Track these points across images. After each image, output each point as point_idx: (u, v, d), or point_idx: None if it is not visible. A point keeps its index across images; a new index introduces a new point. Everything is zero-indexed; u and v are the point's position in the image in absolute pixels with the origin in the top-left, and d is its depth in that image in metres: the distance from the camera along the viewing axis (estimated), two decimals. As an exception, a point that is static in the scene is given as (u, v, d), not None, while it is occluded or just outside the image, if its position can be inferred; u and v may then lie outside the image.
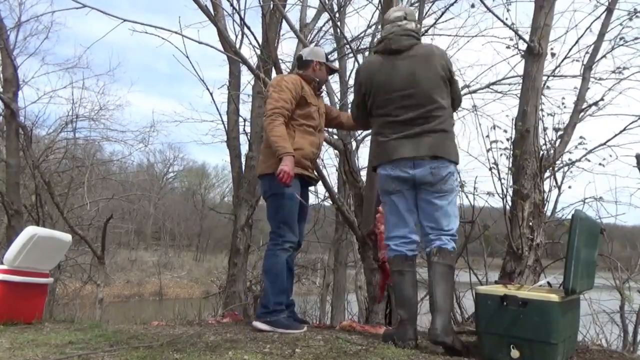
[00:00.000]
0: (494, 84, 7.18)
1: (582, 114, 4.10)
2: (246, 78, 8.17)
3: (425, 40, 3.12)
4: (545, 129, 3.69)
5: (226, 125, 7.19)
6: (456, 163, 2.66)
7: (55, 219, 8.03)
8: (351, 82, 8.94)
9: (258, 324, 2.95)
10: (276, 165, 2.94)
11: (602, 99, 4.23)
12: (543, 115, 3.67)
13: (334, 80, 8.62)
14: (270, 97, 3.09)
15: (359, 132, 8.50)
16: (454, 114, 2.88)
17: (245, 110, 9.75)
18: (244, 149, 7.11)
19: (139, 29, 3.83)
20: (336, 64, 8.57)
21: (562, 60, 4.66)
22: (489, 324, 2.37)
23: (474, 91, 6.78)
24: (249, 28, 5.05)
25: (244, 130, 7.20)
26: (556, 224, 3.81)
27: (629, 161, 3.77)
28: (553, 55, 4.20)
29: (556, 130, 3.78)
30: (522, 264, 3.33)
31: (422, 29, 5.38)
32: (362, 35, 8.45)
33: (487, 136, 3.55)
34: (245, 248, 6.68)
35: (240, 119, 7.16)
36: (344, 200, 5.79)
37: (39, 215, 7.41)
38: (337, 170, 6.42)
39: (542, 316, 2.21)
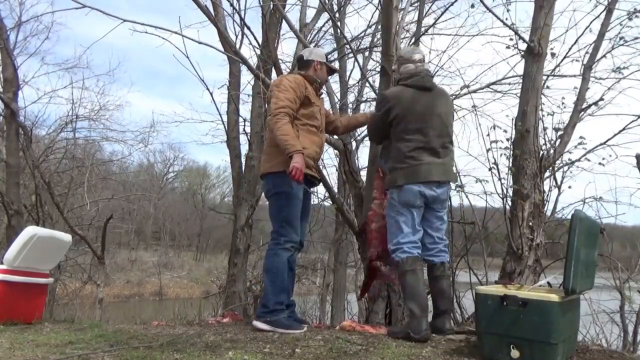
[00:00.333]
0: (493, 83, 7.17)
1: (582, 113, 4.10)
2: (246, 78, 8.16)
3: (425, 40, 3.45)
4: (545, 128, 3.69)
5: (226, 125, 7.18)
6: None
7: (55, 219, 8.03)
8: (351, 82, 8.99)
9: (258, 324, 2.95)
10: (281, 165, 2.94)
11: (602, 99, 4.22)
12: (543, 115, 3.67)
13: (334, 80, 8.62)
14: (274, 96, 3.08)
15: (359, 132, 8.51)
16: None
17: (245, 110, 9.74)
18: (244, 149, 7.11)
19: (139, 29, 3.83)
20: (336, 64, 8.58)
21: (562, 60, 4.66)
22: (489, 324, 2.37)
23: (474, 91, 6.77)
24: (249, 28, 5.06)
25: (244, 130, 7.20)
26: (556, 224, 3.80)
27: (629, 161, 3.76)
28: (553, 55, 4.20)
29: (556, 130, 3.78)
30: (522, 264, 3.33)
31: (422, 29, 5.38)
32: (362, 35, 8.45)
33: (487, 136, 3.55)
34: (245, 248, 6.68)
35: (240, 119, 7.15)
36: (344, 200, 5.79)
37: (39, 215, 7.41)
38: (337, 170, 6.42)
39: (542, 316, 2.21)
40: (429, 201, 2.99)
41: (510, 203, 3.48)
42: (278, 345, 2.51)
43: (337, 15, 7.68)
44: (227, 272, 6.95)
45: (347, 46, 7.57)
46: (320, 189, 7.87)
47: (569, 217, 2.61)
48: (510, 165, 3.51)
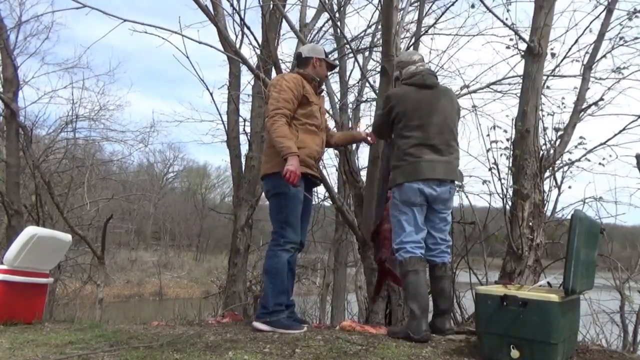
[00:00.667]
0: (493, 83, 7.17)
1: (582, 113, 4.09)
2: (246, 78, 8.18)
3: (425, 40, 3.43)
4: (545, 128, 3.69)
5: (226, 125, 7.18)
6: None
7: (55, 219, 8.02)
8: (351, 82, 8.99)
9: (258, 325, 2.95)
10: (280, 165, 2.92)
11: (602, 99, 4.22)
12: (543, 115, 3.66)
13: (334, 80, 8.62)
14: (271, 97, 3.06)
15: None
16: None
17: (245, 110, 9.73)
18: (244, 149, 7.10)
19: (139, 29, 3.83)
20: (336, 62, 8.57)
21: (562, 60, 4.66)
22: (489, 324, 2.37)
23: (474, 91, 6.77)
24: (249, 28, 5.06)
25: (244, 130, 7.20)
26: (556, 224, 3.80)
27: (629, 161, 3.76)
28: (553, 55, 4.20)
29: (556, 130, 3.78)
30: (522, 264, 3.33)
31: (422, 29, 5.39)
32: (362, 35, 8.44)
33: (487, 136, 3.55)
34: (245, 248, 6.68)
35: (240, 119, 7.15)
36: (344, 200, 5.78)
37: (39, 215, 7.40)
38: (337, 170, 6.42)
39: (542, 316, 2.21)
40: (429, 200, 2.97)
41: (510, 203, 3.48)
42: (278, 345, 2.51)
43: (337, 15, 7.67)
44: (227, 272, 6.95)
45: (347, 46, 7.57)
46: (320, 189, 7.88)
47: (569, 217, 2.61)
48: (510, 165, 3.51)
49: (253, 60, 5.67)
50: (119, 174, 16.90)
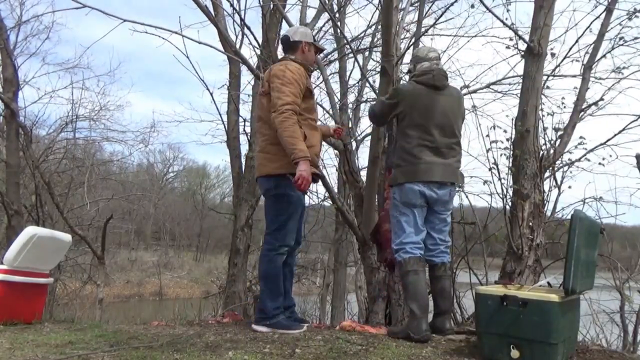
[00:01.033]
0: (493, 83, 7.18)
1: (582, 113, 4.09)
2: (246, 78, 8.18)
3: (425, 40, 3.39)
4: (545, 129, 3.69)
5: (226, 126, 7.19)
6: None
7: (55, 219, 8.01)
8: (351, 82, 8.99)
9: (257, 327, 2.92)
10: (288, 167, 2.77)
11: (602, 99, 4.22)
12: (543, 115, 3.66)
13: (334, 80, 8.63)
14: (277, 89, 2.82)
15: (359, 132, 8.50)
16: None
17: (245, 110, 9.76)
18: (244, 149, 7.12)
19: (139, 29, 3.84)
20: (336, 65, 8.58)
21: (562, 60, 4.65)
22: (489, 324, 2.37)
23: (474, 91, 6.78)
24: (249, 28, 5.07)
25: (244, 130, 7.22)
26: (556, 224, 3.80)
27: (629, 161, 3.76)
28: (553, 55, 4.20)
29: (556, 130, 3.78)
30: (522, 264, 3.33)
31: (422, 29, 5.39)
32: (362, 35, 8.45)
33: (487, 136, 3.55)
34: (245, 248, 6.69)
35: (240, 119, 7.16)
36: (344, 200, 5.79)
37: (39, 215, 7.40)
38: (337, 170, 6.43)
39: (542, 316, 2.21)
40: (429, 202, 2.97)
41: (510, 203, 3.48)
42: (278, 345, 2.51)
43: (337, 15, 7.67)
44: (227, 272, 6.96)
45: (347, 46, 7.58)
46: (320, 189, 7.89)
47: (569, 217, 2.61)
48: (510, 165, 3.51)
49: (253, 60, 5.68)
50: (119, 174, 16.89)
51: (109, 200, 12.52)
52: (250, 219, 6.75)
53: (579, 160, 3.86)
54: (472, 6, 4.81)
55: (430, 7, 6.68)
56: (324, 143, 3.71)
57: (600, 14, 4.23)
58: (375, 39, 7.94)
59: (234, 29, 6.39)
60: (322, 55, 5.79)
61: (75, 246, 8.93)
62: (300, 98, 2.89)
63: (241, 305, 6.18)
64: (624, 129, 4.13)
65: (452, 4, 4.60)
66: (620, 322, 3.65)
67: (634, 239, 4.97)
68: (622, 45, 4.40)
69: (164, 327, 3.24)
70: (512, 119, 3.58)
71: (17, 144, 7.27)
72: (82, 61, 12.76)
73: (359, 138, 8.22)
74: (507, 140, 3.54)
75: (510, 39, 4.38)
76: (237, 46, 5.66)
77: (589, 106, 4.18)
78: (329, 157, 11.76)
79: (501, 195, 3.49)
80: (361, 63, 8.18)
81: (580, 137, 3.80)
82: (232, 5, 5.25)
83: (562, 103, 4.04)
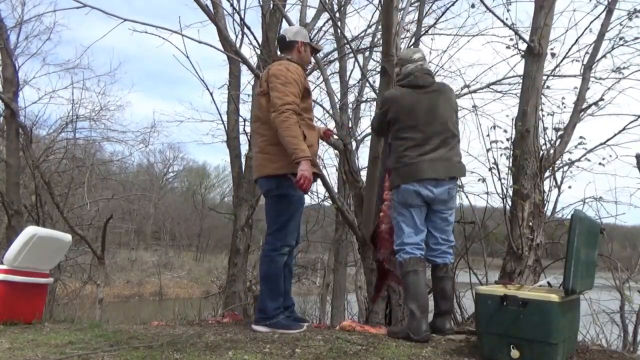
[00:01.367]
0: (494, 83, 7.19)
1: (582, 113, 4.09)
2: (246, 78, 8.18)
3: (425, 40, 3.39)
4: (545, 128, 3.69)
5: (226, 125, 7.19)
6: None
7: (55, 219, 8.02)
8: (352, 82, 8.99)
9: (257, 327, 2.92)
10: (290, 167, 2.77)
11: (602, 99, 4.22)
12: (543, 115, 3.66)
13: (334, 80, 8.63)
14: (276, 89, 2.82)
15: (359, 132, 8.50)
16: None
17: (245, 110, 9.72)
18: (244, 149, 7.12)
19: (140, 28, 3.83)
20: (336, 65, 8.58)
21: (562, 60, 4.66)
22: (489, 324, 2.37)
23: (474, 91, 6.79)
24: (249, 28, 5.07)
25: (244, 130, 7.21)
26: (556, 224, 3.80)
27: (629, 161, 3.76)
28: (553, 55, 4.20)
29: (556, 130, 3.78)
30: (522, 264, 3.33)
31: (422, 29, 5.39)
32: (362, 35, 8.45)
33: (487, 136, 3.55)
34: (245, 248, 6.69)
35: (240, 119, 7.16)
36: (344, 200, 5.79)
37: (39, 215, 7.40)
38: (337, 170, 6.43)
39: (542, 316, 2.21)
40: (427, 201, 2.97)
41: (510, 203, 3.48)
42: (278, 345, 2.51)
43: (337, 15, 7.68)
44: (227, 272, 6.96)
45: (347, 46, 7.58)
46: (320, 189, 7.89)
47: (569, 217, 2.61)
48: (510, 165, 3.51)
49: (253, 60, 5.68)
50: (119, 174, 16.87)
51: (109, 200, 12.52)
52: (250, 219, 6.75)
53: (579, 160, 3.86)
54: (473, 6, 4.82)
55: (430, 7, 6.69)
56: (324, 143, 3.72)
57: (600, 14, 4.24)
58: (375, 39, 7.95)
59: (234, 28, 6.39)
60: (322, 55, 5.79)
61: (75, 246, 8.94)
62: (299, 98, 2.88)
63: (241, 305, 6.19)
64: (624, 129, 4.13)
65: (452, 4, 4.62)
66: (620, 322, 3.66)
67: (634, 239, 4.97)
68: (622, 45, 4.40)
69: (164, 327, 3.24)
70: (512, 119, 3.58)
71: (17, 144, 7.27)
72: (83, 61, 12.81)
73: (359, 138, 8.22)
74: (507, 140, 3.54)
75: (511, 39, 4.38)
76: (237, 46, 5.65)
77: (589, 106, 4.17)
78: (329, 157, 11.77)
79: (501, 195, 3.49)
80: (361, 63, 8.18)
81: (580, 137, 3.80)
82: (232, 4, 5.26)
83: (562, 103, 4.05)
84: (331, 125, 6.27)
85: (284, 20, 5.97)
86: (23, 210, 7.25)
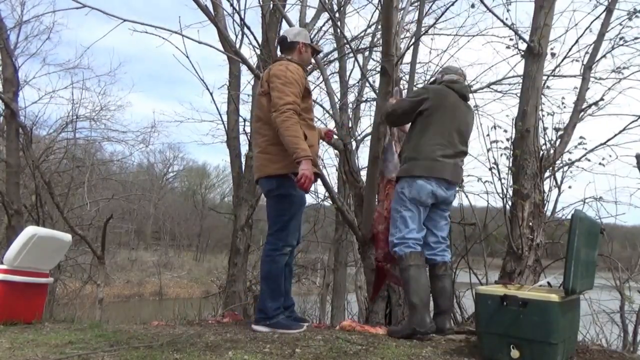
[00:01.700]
0: (494, 83, 7.19)
1: (582, 113, 4.09)
2: (246, 78, 8.18)
3: (425, 40, 3.46)
4: (545, 128, 3.69)
5: (226, 125, 7.19)
6: None
7: (55, 219, 8.02)
8: (351, 82, 8.99)
9: (257, 327, 2.93)
10: (291, 167, 2.77)
11: (602, 99, 4.21)
12: (543, 115, 3.67)
13: (334, 80, 8.63)
14: (277, 89, 2.82)
15: (359, 132, 8.51)
16: None
17: (245, 110, 9.74)
18: (244, 149, 7.12)
19: (140, 28, 3.84)
20: (336, 65, 8.58)
21: (562, 60, 4.65)
22: (489, 324, 2.37)
23: (474, 91, 6.78)
24: (249, 28, 5.08)
25: (244, 130, 7.21)
26: (556, 224, 3.80)
27: (629, 161, 3.76)
28: (553, 55, 4.20)
29: (556, 130, 3.78)
30: (522, 264, 3.33)
31: (422, 29, 5.39)
32: (362, 35, 8.45)
33: (487, 136, 3.55)
34: (245, 248, 6.69)
35: (240, 119, 7.16)
36: (344, 200, 5.79)
37: (39, 215, 7.40)
38: (337, 170, 6.43)
39: (542, 316, 2.21)
40: (438, 201, 3.04)
41: (510, 203, 3.48)
42: (278, 345, 2.51)
43: (337, 15, 7.67)
44: (227, 272, 6.96)
45: (347, 46, 7.57)
46: (320, 189, 7.89)
47: (569, 217, 2.61)
48: (510, 165, 3.51)
49: (253, 60, 5.68)
50: (119, 174, 16.88)
51: (109, 200, 12.51)
52: (250, 219, 6.75)
53: (579, 160, 3.86)
54: (473, 6, 4.81)
55: (430, 7, 6.68)
56: (324, 143, 3.72)
57: (600, 14, 4.23)
58: (375, 39, 7.94)
59: (234, 28, 6.40)
60: (322, 55, 5.79)
61: (75, 246, 8.94)
62: (300, 98, 2.89)
63: (241, 305, 6.19)
64: (624, 129, 4.13)
65: (452, 4, 4.59)
66: (620, 322, 3.65)
67: (634, 239, 4.97)
68: (622, 45, 4.40)
69: (164, 327, 3.24)
70: (512, 119, 3.58)
71: (17, 144, 7.26)
72: (83, 61, 12.85)
73: (359, 138, 8.22)
74: (507, 140, 3.55)
75: (511, 39, 4.39)
76: (237, 46, 5.66)
77: (589, 106, 4.17)
78: (329, 157, 11.76)
79: (501, 195, 3.49)
80: (361, 63, 8.18)
81: (580, 137, 3.80)
82: (232, 5, 5.26)
83: (562, 103, 4.05)
84: (331, 125, 6.28)
85: (283, 20, 5.97)
86: (23, 210, 7.25)
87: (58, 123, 11.91)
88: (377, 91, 4.10)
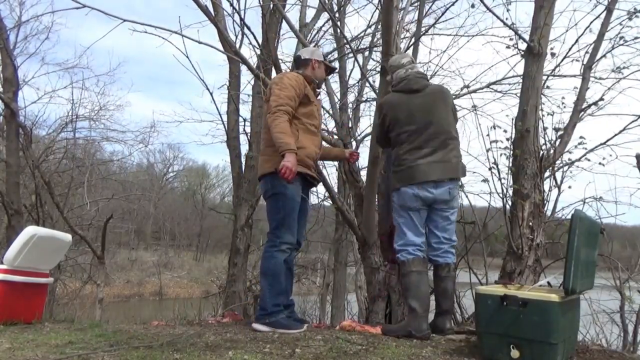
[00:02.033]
0: (493, 83, 7.17)
1: (582, 113, 4.09)
2: (246, 78, 8.18)
3: (425, 40, 3.42)
4: (545, 128, 3.69)
5: (226, 125, 7.19)
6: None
7: (55, 219, 8.01)
8: (351, 81, 8.99)
9: (257, 326, 2.95)
10: (279, 164, 2.89)
11: (602, 99, 4.21)
12: (543, 115, 3.66)
13: (334, 80, 8.63)
14: (273, 93, 3.04)
15: (359, 132, 8.51)
16: None
17: (245, 110, 9.75)
18: (244, 149, 7.12)
19: (139, 28, 3.83)
20: (336, 64, 8.58)
21: (562, 60, 4.65)
22: (489, 324, 2.37)
23: (474, 91, 6.77)
24: (249, 28, 5.06)
25: (244, 130, 7.21)
26: (556, 224, 3.80)
27: (629, 161, 3.76)
28: (553, 55, 4.20)
29: (556, 130, 3.78)
30: (522, 264, 3.33)
31: (422, 29, 5.39)
32: (362, 35, 8.45)
33: (487, 136, 3.55)
34: (245, 248, 6.68)
35: (240, 119, 7.16)
36: (344, 200, 5.79)
37: (39, 215, 7.40)
38: (337, 170, 6.42)
39: (542, 316, 2.21)
40: (428, 203, 3.00)
41: (510, 203, 3.48)
42: (278, 345, 2.51)
43: (337, 15, 7.67)
44: (227, 272, 6.96)
45: (347, 46, 7.57)
46: (320, 189, 7.89)
47: (569, 217, 2.61)
48: (510, 165, 3.51)
49: (253, 60, 5.67)
50: (119, 174, 16.90)
51: (109, 200, 12.51)
52: (250, 219, 6.75)
53: (579, 160, 3.86)
54: (473, 6, 4.81)
55: (430, 7, 6.69)
56: (324, 143, 3.73)
57: (600, 14, 4.24)
58: (375, 39, 7.94)
59: (234, 29, 6.39)
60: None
61: (75, 246, 8.94)
62: (294, 101, 3.05)
63: (241, 305, 6.18)
64: (624, 129, 4.13)
65: (452, 4, 4.61)
66: (620, 322, 3.65)
67: (634, 239, 4.97)
68: (622, 45, 4.39)
69: (164, 327, 3.24)
70: (512, 119, 3.58)
71: (17, 144, 7.26)
72: (82, 61, 12.78)
73: (358, 138, 8.21)
74: (507, 140, 3.54)
75: (510, 39, 4.39)
76: (237, 46, 5.65)
77: (589, 106, 4.17)
78: (329, 157, 11.75)
79: (501, 195, 3.49)
80: (361, 63, 8.18)
81: (580, 137, 3.80)
82: (232, 5, 5.24)
83: (562, 103, 4.05)
84: (331, 125, 6.27)
85: (283, 20, 5.97)
86: (23, 210, 7.25)
87: (57, 123, 11.92)
88: (377, 91, 4.11)
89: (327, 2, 6.13)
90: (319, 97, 3.47)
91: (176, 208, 36.71)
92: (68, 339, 2.72)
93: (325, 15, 7.94)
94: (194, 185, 40.44)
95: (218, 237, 34.13)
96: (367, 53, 8.61)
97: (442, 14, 5.69)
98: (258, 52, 5.37)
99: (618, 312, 3.70)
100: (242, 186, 6.78)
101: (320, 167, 4.04)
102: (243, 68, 6.89)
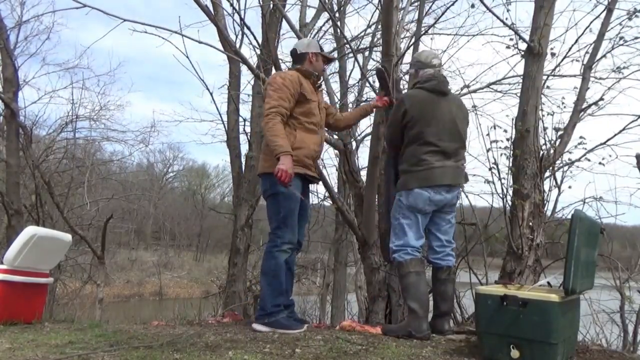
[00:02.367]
0: (493, 83, 7.18)
1: (582, 113, 4.09)
2: (246, 78, 8.18)
3: (425, 39, 3.41)
4: (545, 128, 3.68)
5: (226, 125, 7.19)
6: None
7: (55, 219, 8.02)
8: (351, 81, 8.99)
9: (257, 326, 2.94)
10: (276, 165, 2.89)
11: (602, 99, 4.21)
12: (543, 115, 3.66)
13: (334, 80, 8.64)
14: (268, 95, 3.03)
15: (359, 132, 8.51)
16: None
17: (245, 110, 9.75)
18: (244, 148, 7.13)
19: (139, 28, 3.83)
20: (335, 64, 8.58)
21: (562, 60, 4.65)
22: (489, 324, 2.37)
23: (474, 91, 6.78)
24: (249, 28, 5.06)
25: (244, 130, 7.22)
26: (556, 224, 3.80)
27: (629, 161, 3.76)
28: (553, 55, 4.20)
29: (556, 130, 3.77)
30: (522, 264, 3.33)
31: (422, 29, 5.39)
32: (362, 35, 8.46)
33: (487, 136, 3.55)
34: (245, 248, 6.69)
35: (240, 119, 7.17)
36: (344, 200, 5.79)
37: (39, 215, 7.40)
38: (337, 170, 6.43)
39: (542, 316, 2.21)
40: (438, 206, 2.99)
41: (510, 203, 3.48)
42: (278, 345, 2.51)
43: (337, 15, 7.68)
44: (227, 272, 6.96)
45: (347, 46, 7.58)
46: (320, 189, 7.89)
47: (569, 217, 2.60)
48: (510, 165, 3.51)
49: (253, 60, 5.68)
50: (119, 173, 16.89)
51: (109, 200, 12.52)
52: (250, 219, 6.75)
53: (579, 160, 3.86)
54: (472, 6, 4.81)
55: (430, 7, 6.69)
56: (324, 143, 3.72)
57: (600, 14, 4.23)
58: (375, 39, 7.95)
59: (234, 28, 6.39)
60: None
61: (75, 246, 8.94)
62: (289, 102, 3.02)
63: (241, 305, 6.18)
64: (624, 129, 4.13)
65: (452, 4, 4.59)
66: (620, 322, 3.65)
67: (634, 239, 4.97)
68: (622, 45, 4.39)
69: (164, 327, 3.24)
70: (512, 119, 3.58)
71: (17, 144, 7.26)
72: (82, 61, 12.82)
73: (359, 138, 8.22)
74: (507, 140, 3.54)
75: (510, 39, 4.38)
76: (237, 46, 5.66)
77: (589, 106, 4.17)
78: (329, 157, 11.77)
79: (501, 195, 3.49)
80: (361, 63, 8.18)
81: (580, 137, 3.80)
82: (232, 4, 5.25)
83: (562, 103, 4.05)
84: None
85: (283, 20, 5.97)
86: (23, 210, 7.25)
87: (58, 123, 11.91)
88: (377, 91, 4.10)
89: (327, 2, 6.13)
90: (321, 89, 3.39)
91: (176, 208, 36.70)
92: (68, 339, 2.72)
93: (325, 15, 7.95)
94: (194, 185, 40.44)
95: (218, 237, 34.12)
96: (367, 53, 8.62)
97: (442, 13, 5.67)
98: (258, 51, 5.38)
99: (618, 312, 3.70)
100: (242, 186, 6.79)
101: (320, 167, 4.04)
102: (243, 68, 6.90)
